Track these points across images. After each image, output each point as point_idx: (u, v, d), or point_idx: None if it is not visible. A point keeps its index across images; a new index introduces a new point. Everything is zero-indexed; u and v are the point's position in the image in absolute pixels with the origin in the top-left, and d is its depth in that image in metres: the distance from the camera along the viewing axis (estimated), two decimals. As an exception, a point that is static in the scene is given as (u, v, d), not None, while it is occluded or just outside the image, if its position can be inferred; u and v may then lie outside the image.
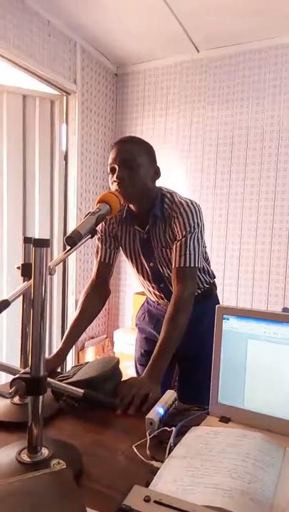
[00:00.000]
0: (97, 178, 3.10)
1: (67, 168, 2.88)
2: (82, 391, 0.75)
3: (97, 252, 1.45)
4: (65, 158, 2.87)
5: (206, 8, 2.37)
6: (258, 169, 2.74)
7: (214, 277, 1.57)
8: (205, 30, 2.62)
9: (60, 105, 2.80)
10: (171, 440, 0.81)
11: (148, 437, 0.85)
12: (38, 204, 2.74)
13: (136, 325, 1.68)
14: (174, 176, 2.99)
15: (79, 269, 2.92)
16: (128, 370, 2.84)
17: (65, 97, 2.83)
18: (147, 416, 0.88)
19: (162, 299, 1.49)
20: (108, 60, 3.13)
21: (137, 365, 1.63)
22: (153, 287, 1.47)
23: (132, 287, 3.16)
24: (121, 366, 1.12)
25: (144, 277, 1.47)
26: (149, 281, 1.46)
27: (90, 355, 2.90)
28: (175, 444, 0.81)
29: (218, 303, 1.61)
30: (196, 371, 1.46)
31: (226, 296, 2.83)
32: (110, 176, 1.27)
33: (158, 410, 0.91)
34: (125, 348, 2.70)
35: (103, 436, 0.88)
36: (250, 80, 2.75)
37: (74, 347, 2.87)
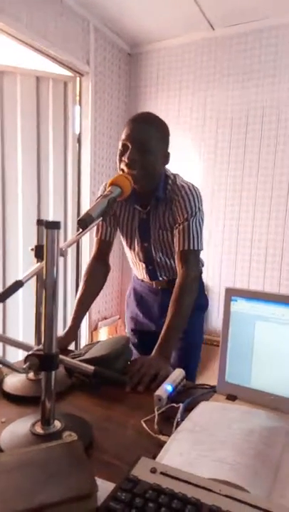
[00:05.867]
0: (111, 161, 3.08)
1: (81, 150, 2.88)
2: (92, 368, 0.78)
3: (98, 230, 1.46)
4: (79, 140, 2.86)
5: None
6: (272, 151, 2.69)
7: (202, 265, 1.56)
8: (220, 7, 2.54)
9: (74, 87, 2.78)
10: (179, 415, 0.84)
11: (156, 413, 0.88)
12: (52, 187, 2.76)
13: (126, 301, 1.72)
14: (188, 157, 2.96)
15: (92, 250, 2.95)
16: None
17: (78, 78, 2.80)
18: (156, 393, 0.91)
19: (146, 279, 1.52)
20: (122, 40, 3.08)
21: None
22: (142, 267, 1.50)
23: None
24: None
25: (134, 256, 1.49)
26: (139, 260, 1.49)
27: (103, 335, 2.96)
28: (182, 420, 0.84)
29: (203, 286, 1.61)
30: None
31: (238, 278, 2.82)
32: (120, 151, 1.23)
33: (166, 387, 0.94)
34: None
35: (113, 412, 0.91)
36: (267, 58, 2.67)
37: (87, 327, 2.94)
